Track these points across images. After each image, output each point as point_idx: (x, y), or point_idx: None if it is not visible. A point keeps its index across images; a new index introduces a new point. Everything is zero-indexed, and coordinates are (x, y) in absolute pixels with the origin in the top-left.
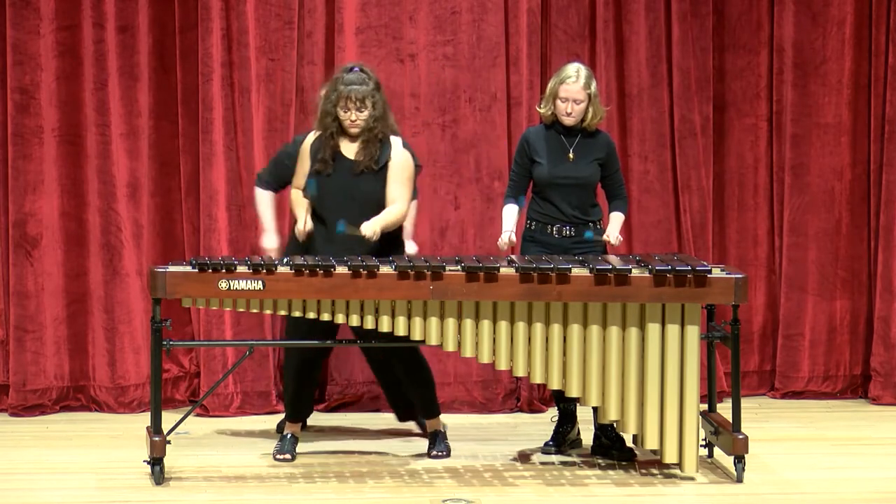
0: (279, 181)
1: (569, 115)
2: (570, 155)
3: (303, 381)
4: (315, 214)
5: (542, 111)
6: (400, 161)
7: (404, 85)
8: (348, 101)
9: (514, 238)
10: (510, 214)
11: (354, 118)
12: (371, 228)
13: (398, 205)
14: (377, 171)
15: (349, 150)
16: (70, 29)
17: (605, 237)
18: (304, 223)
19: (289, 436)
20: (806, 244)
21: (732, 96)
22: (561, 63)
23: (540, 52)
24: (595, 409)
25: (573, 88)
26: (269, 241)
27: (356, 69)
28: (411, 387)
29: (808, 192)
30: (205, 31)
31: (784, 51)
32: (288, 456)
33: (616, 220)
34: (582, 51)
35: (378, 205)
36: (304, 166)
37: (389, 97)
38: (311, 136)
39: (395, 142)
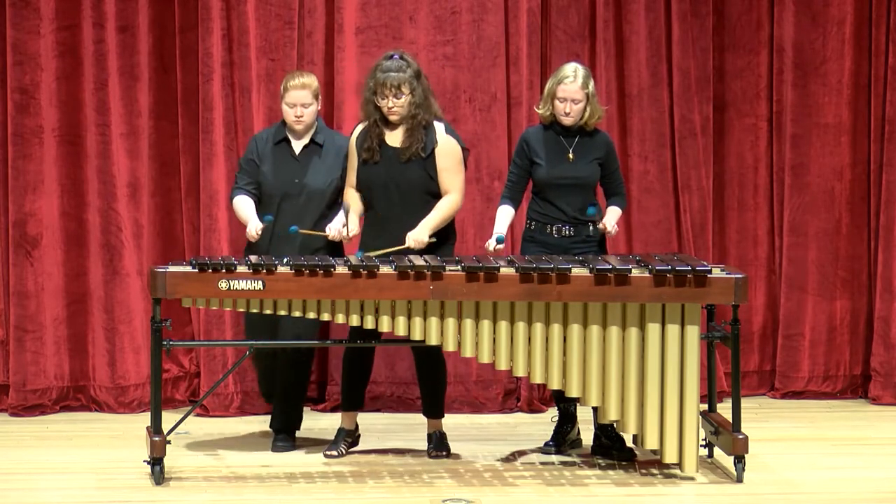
0: (254, 181)
1: (567, 115)
2: (570, 155)
3: (353, 372)
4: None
5: (540, 112)
6: (446, 148)
7: None
8: (384, 89)
9: (501, 244)
10: (504, 216)
11: (392, 105)
12: (417, 237)
13: (452, 195)
14: (425, 158)
15: (393, 138)
16: (70, 29)
17: (600, 225)
18: (348, 230)
19: (340, 430)
20: (806, 244)
21: (732, 96)
22: (561, 63)
23: (540, 52)
24: (595, 409)
25: (571, 88)
26: (252, 227)
27: (395, 56)
28: (425, 382)
29: (808, 192)
30: (205, 31)
31: (784, 51)
32: (335, 453)
33: (614, 212)
34: (582, 51)
35: (425, 192)
36: (352, 159)
37: None
38: (358, 128)
39: (439, 127)
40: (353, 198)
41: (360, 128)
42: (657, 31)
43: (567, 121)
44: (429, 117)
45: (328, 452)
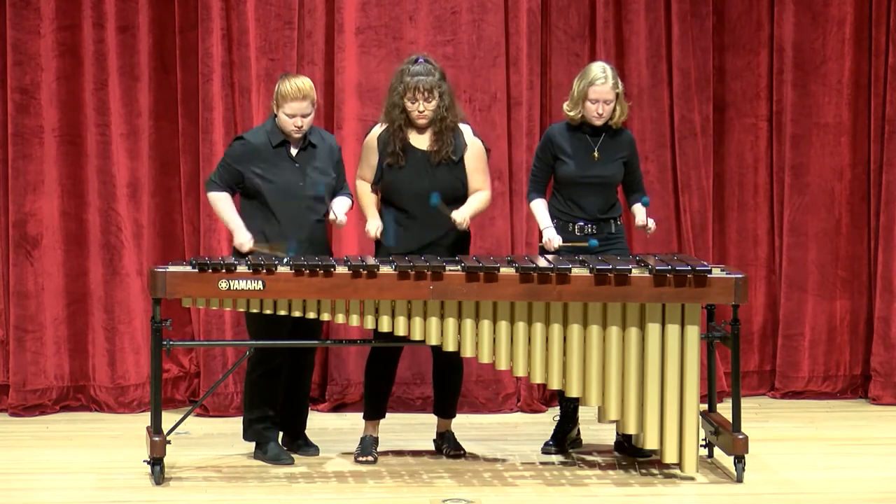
0: (232, 183)
1: (599, 115)
2: (595, 153)
3: (379, 382)
4: (386, 209)
5: (570, 114)
6: (476, 150)
7: None
8: (416, 92)
9: (555, 233)
10: (542, 210)
11: (423, 109)
12: (462, 216)
13: (485, 192)
14: (456, 162)
15: (419, 141)
16: (70, 29)
17: (640, 224)
18: (376, 228)
19: (367, 437)
20: (806, 244)
21: (732, 96)
22: (561, 63)
23: (540, 52)
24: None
25: (603, 90)
26: (244, 236)
27: (421, 60)
28: (445, 382)
29: (808, 192)
30: (205, 31)
31: (784, 51)
32: (371, 458)
33: (641, 210)
34: (582, 51)
35: (454, 195)
36: (370, 160)
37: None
38: (378, 130)
39: (466, 130)
40: (367, 193)
41: (378, 129)
42: (657, 31)
43: (599, 122)
44: (456, 120)
45: (361, 458)
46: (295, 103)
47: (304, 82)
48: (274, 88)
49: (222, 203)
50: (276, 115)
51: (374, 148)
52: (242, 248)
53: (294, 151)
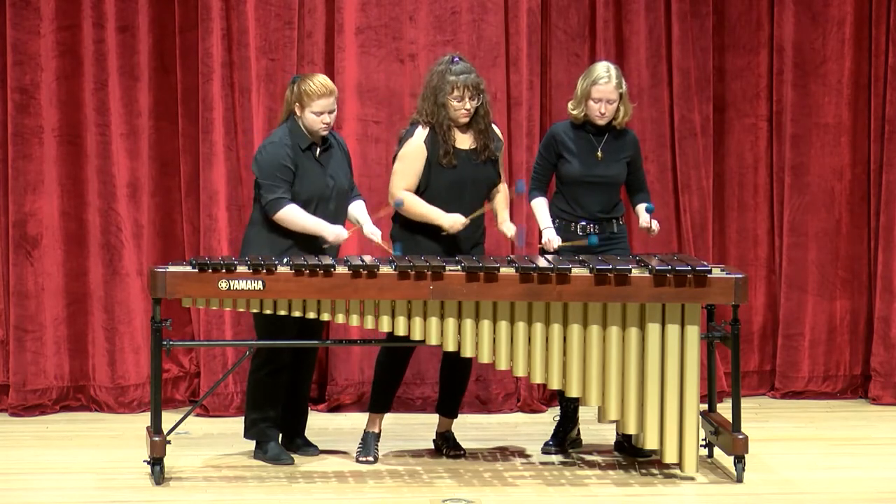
0: (290, 188)
1: (602, 115)
2: (599, 153)
3: (390, 375)
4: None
5: (574, 112)
6: (502, 146)
7: (404, 85)
8: (465, 90)
9: (554, 234)
10: (543, 209)
11: (469, 107)
12: (512, 229)
13: (504, 186)
14: (496, 158)
15: (462, 140)
16: (70, 29)
17: (644, 225)
18: (461, 222)
19: (370, 434)
20: (806, 244)
21: (732, 96)
22: (561, 63)
23: (540, 52)
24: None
25: (606, 89)
26: (335, 228)
27: (457, 59)
28: (453, 381)
29: (808, 192)
30: (205, 31)
31: (784, 51)
32: (371, 458)
33: (645, 213)
34: (582, 51)
35: (490, 190)
36: (417, 167)
37: (389, 97)
38: (421, 136)
39: (496, 128)
40: (418, 199)
41: (421, 132)
42: (657, 31)
43: (602, 121)
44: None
45: (362, 459)
46: (324, 100)
47: (326, 79)
48: (286, 90)
49: (295, 214)
50: (297, 118)
51: (424, 154)
52: (340, 240)
53: (317, 152)
